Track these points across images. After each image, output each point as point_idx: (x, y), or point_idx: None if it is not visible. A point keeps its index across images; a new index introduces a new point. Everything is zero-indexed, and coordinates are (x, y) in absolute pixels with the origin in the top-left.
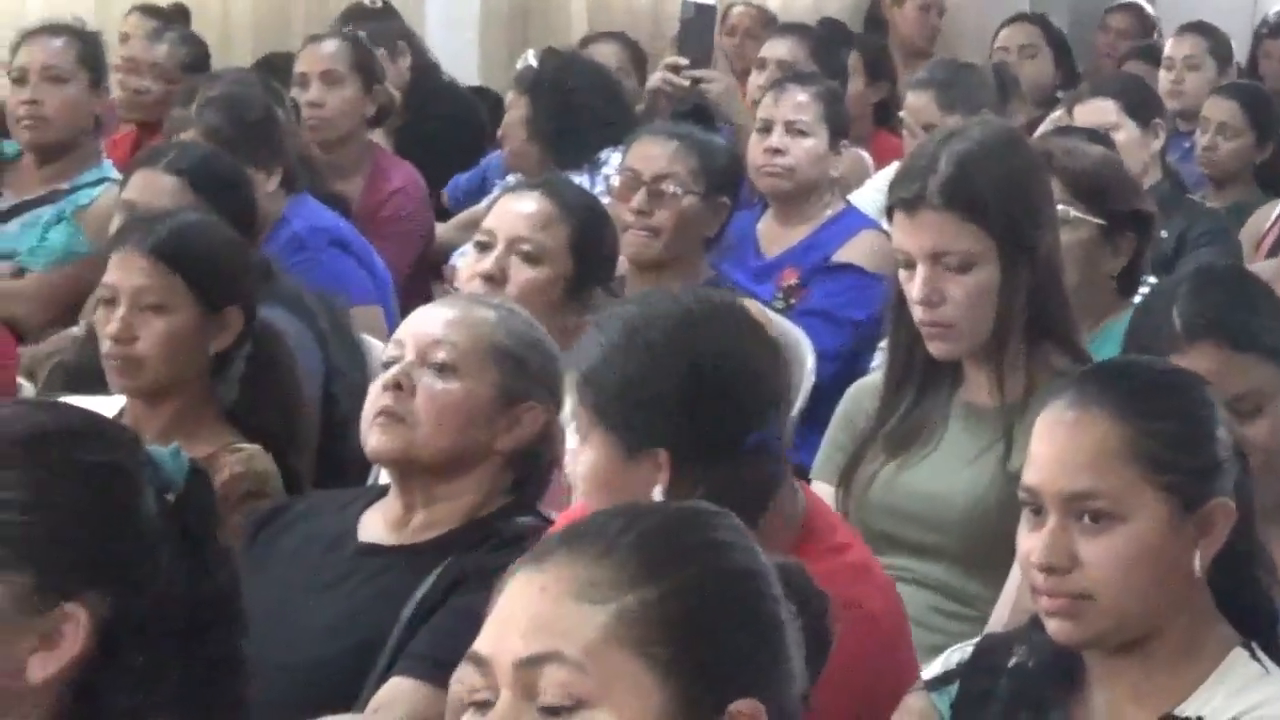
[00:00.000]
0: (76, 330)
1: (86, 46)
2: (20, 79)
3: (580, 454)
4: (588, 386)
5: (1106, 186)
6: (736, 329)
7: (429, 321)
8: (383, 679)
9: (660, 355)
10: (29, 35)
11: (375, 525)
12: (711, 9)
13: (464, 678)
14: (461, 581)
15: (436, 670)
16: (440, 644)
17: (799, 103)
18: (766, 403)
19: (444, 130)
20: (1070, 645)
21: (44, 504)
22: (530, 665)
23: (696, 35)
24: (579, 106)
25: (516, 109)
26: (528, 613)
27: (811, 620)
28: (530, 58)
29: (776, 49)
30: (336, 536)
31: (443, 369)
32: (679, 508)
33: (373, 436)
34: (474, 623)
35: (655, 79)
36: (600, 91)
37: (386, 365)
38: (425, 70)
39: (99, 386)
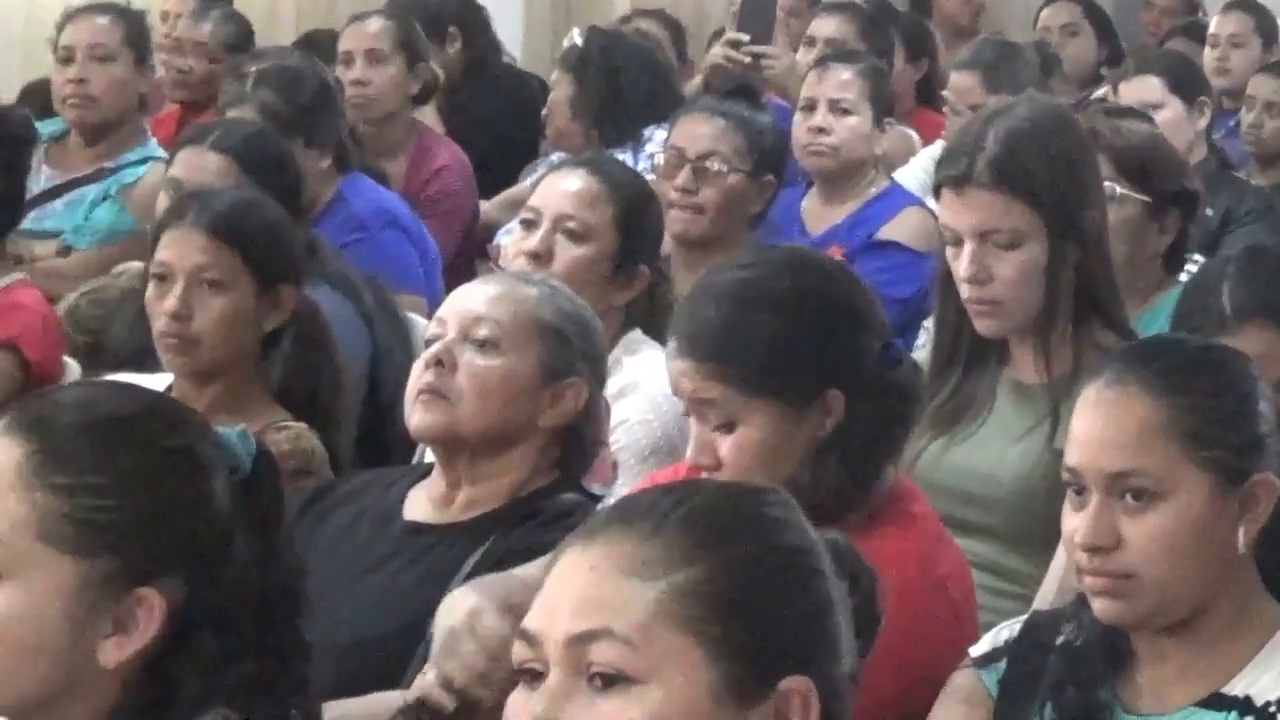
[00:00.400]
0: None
1: (131, 25)
2: (67, 58)
3: (734, 438)
4: (728, 364)
5: (1153, 164)
6: (823, 264)
7: (471, 298)
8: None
9: (792, 305)
10: (75, 14)
11: (420, 504)
12: None
13: (516, 655)
14: (506, 559)
15: None
16: None
17: (843, 81)
18: (881, 317)
19: (499, 112)
20: (1116, 624)
21: (124, 489)
22: (580, 642)
23: (758, 11)
24: (624, 85)
25: (562, 87)
26: (578, 590)
27: (861, 597)
28: (575, 36)
29: (824, 27)
30: (382, 515)
31: (485, 345)
32: (731, 485)
33: (415, 414)
34: None
35: (715, 54)
36: (646, 69)
37: (429, 343)
38: (484, 50)
39: (142, 365)
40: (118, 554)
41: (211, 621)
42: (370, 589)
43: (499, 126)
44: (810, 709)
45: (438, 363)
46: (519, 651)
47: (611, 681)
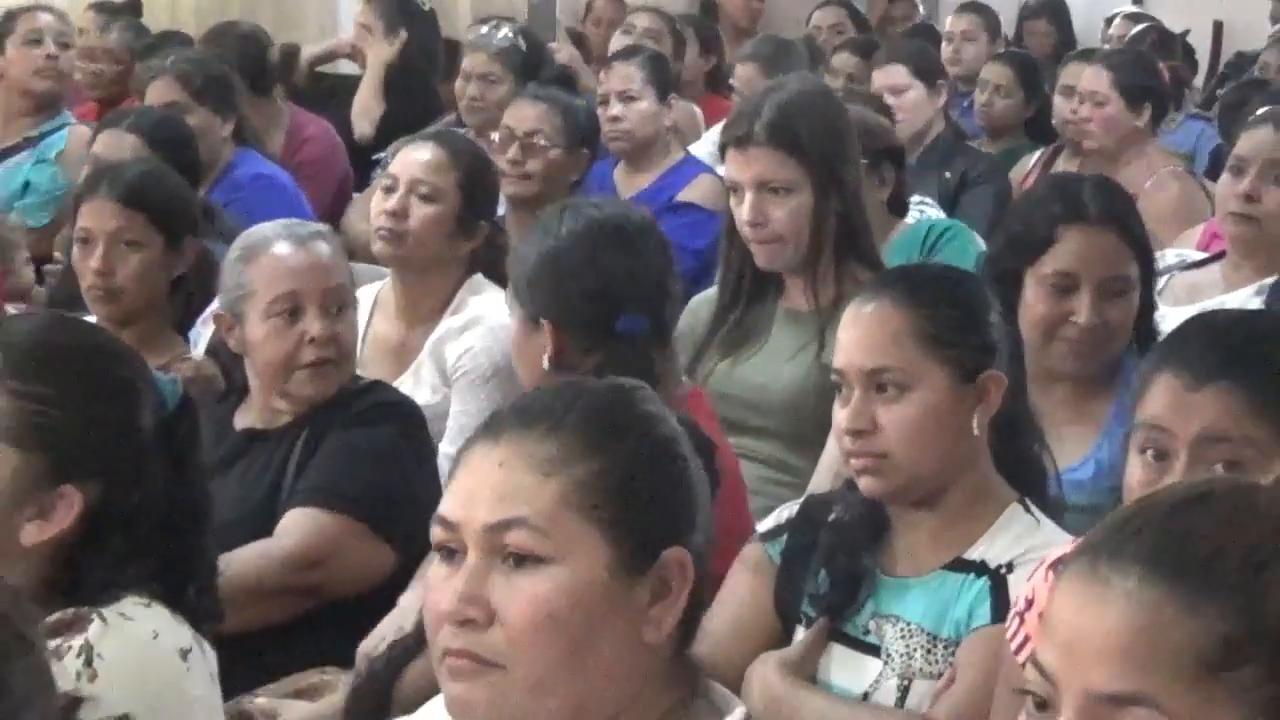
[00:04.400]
0: None
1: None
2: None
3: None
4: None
5: (861, 132)
6: (619, 237)
7: None
8: None
9: (557, 244)
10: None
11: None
12: None
13: (435, 536)
14: (328, 432)
15: (325, 496)
16: (324, 475)
17: (626, 74)
18: (635, 295)
19: None
20: (876, 497)
21: (64, 403)
22: (497, 530)
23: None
24: None
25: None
26: (490, 483)
27: (704, 465)
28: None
29: (638, 21)
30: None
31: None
32: (609, 385)
33: None
34: (350, 453)
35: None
36: None
37: None
38: None
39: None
40: (50, 453)
41: (120, 524)
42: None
43: None
44: (687, 573)
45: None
46: (437, 533)
47: (523, 560)
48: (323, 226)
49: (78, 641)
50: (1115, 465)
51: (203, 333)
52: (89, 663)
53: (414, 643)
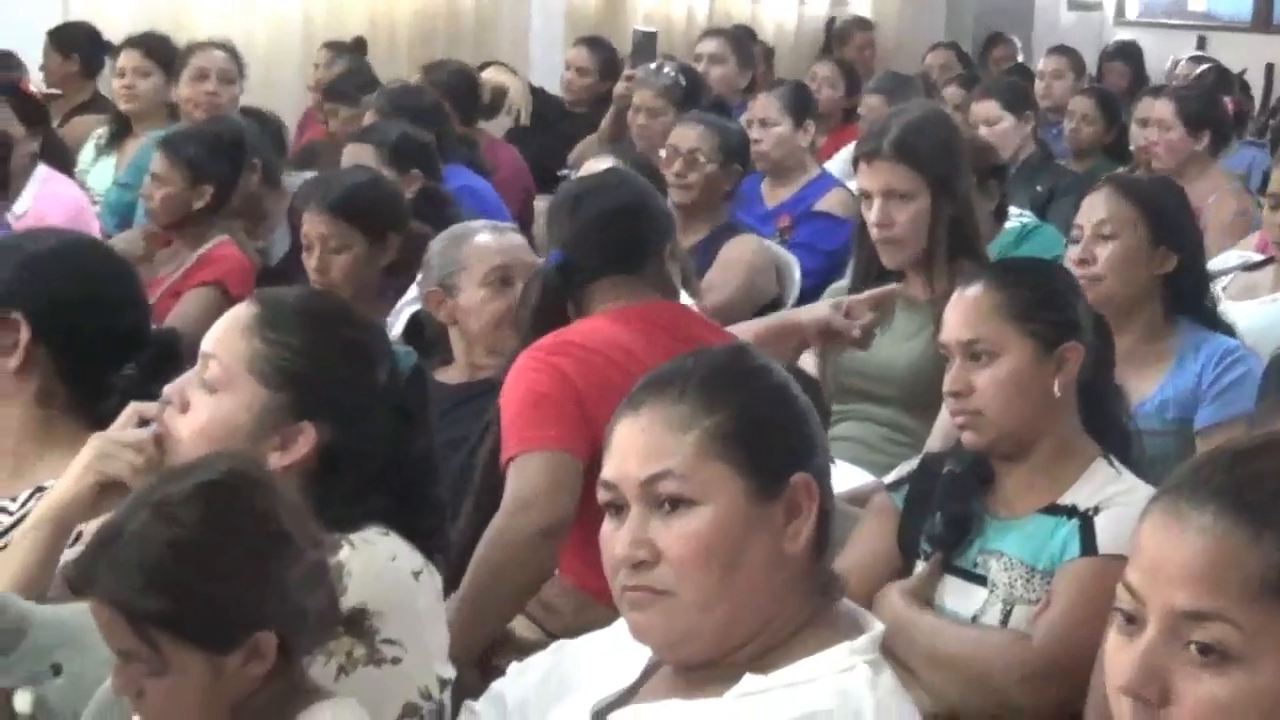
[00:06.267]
0: None
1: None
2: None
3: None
4: None
5: (971, 152)
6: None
7: None
8: None
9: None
10: (199, 46)
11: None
12: (654, 34)
13: (601, 498)
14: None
15: None
16: None
17: (765, 103)
18: None
19: None
20: (974, 448)
21: (306, 352)
22: (650, 483)
23: (644, 55)
24: None
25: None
26: (638, 446)
27: (813, 400)
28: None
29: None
30: None
31: None
32: (723, 349)
33: None
34: None
35: (620, 87)
36: None
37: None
38: None
39: None
40: (291, 393)
41: (353, 463)
42: None
43: None
44: (813, 492)
45: None
46: (602, 494)
47: (675, 505)
48: (512, 225)
49: (331, 562)
50: (1179, 399)
51: (393, 324)
52: (339, 579)
53: None
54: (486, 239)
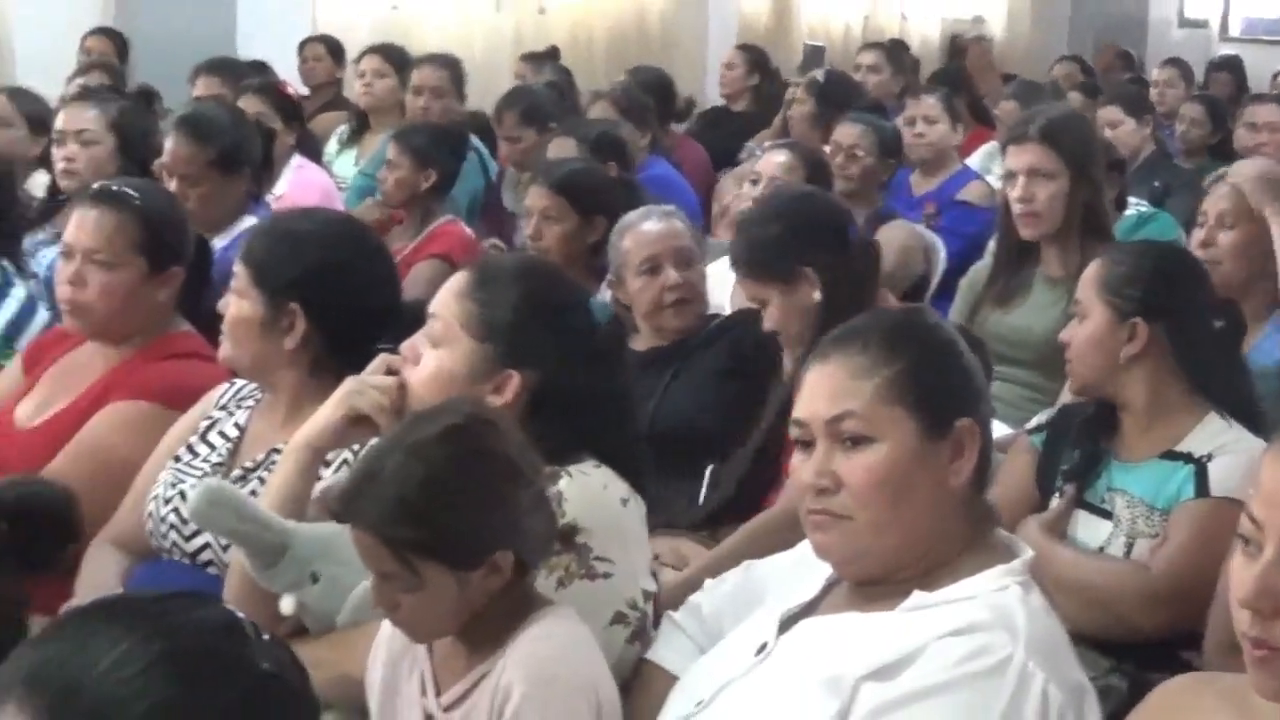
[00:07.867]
0: None
1: (455, 72)
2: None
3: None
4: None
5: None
6: None
7: None
8: None
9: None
10: (419, 61)
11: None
12: (822, 48)
13: (792, 433)
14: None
15: None
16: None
17: (928, 104)
18: None
19: None
20: (1073, 392)
21: (515, 311)
22: (834, 422)
23: (813, 65)
24: None
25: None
26: (825, 390)
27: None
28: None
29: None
30: None
31: None
32: (901, 309)
33: None
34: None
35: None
36: None
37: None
38: None
39: None
40: (500, 344)
41: (559, 406)
42: None
43: None
44: (975, 435)
45: None
46: (794, 431)
47: (856, 441)
48: (674, 209)
49: (551, 489)
50: None
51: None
52: (558, 504)
53: None
54: (641, 230)
